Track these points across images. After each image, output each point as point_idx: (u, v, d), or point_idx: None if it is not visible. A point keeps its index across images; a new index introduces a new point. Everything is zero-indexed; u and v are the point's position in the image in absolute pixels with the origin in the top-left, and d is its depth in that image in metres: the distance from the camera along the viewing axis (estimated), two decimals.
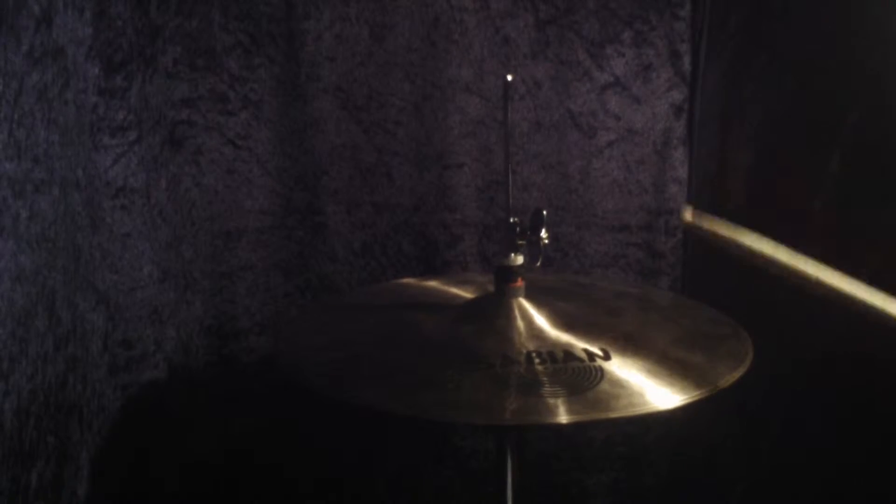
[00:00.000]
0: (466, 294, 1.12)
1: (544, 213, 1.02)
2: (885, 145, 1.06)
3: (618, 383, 0.85)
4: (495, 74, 1.44)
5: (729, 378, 0.88)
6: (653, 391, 0.84)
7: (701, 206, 1.51)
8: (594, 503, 1.61)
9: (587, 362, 0.89)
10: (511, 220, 1.03)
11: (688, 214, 1.52)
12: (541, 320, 1.00)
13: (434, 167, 1.47)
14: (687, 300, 1.31)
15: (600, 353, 0.91)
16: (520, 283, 1.04)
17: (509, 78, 1.04)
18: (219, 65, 1.34)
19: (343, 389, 0.89)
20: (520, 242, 1.03)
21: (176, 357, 1.28)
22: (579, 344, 0.93)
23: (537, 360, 0.90)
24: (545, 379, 0.86)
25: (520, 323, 1.00)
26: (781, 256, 1.25)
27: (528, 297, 1.04)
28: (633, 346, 0.94)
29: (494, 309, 1.03)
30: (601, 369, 0.87)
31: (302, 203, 1.44)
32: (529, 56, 1.45)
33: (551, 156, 1.49)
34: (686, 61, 1.49)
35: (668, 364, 0.90)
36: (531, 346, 0.93)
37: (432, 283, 1.24)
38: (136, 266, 1.16)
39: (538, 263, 1.05)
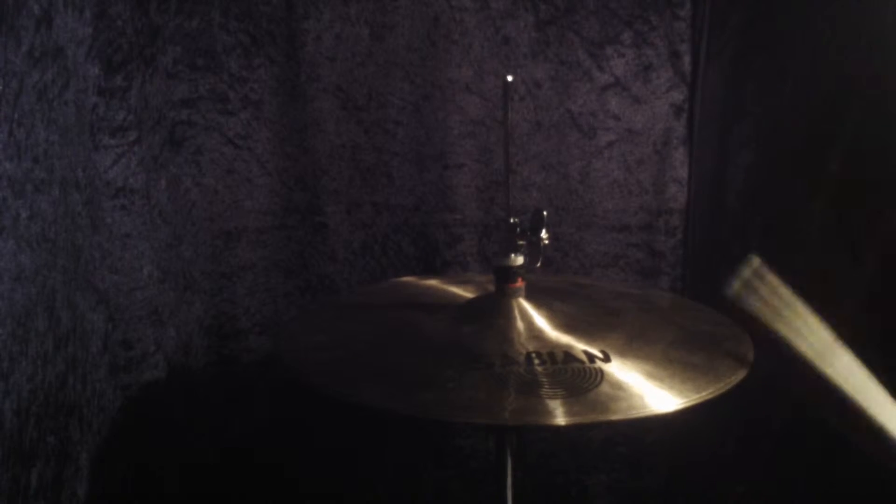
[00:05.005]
0: (466, 294, 1.12)
1: (544, 213, 1.02)
2: (885, 145, 1.05)
3: (618, 385, 0.85)
4: (495, 74, 1.44)
5: (729, 380, 0.87)
6: (652, 394, 0.83)
7: (701, 206, 1.51)
8: (594, 503, 1.61)
9: (587, 364, 0.89)
10: (511, 220, 1.03)
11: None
12: (541, 321, 1.00)
13: (434, 167, 1.47)
14: (687, 301, 1.31)
15: (600, 354, 0.91)
16: (520, 283, 1.04)
17: (509, 78, 1.03)
18: (219, 65, 1.34)
19: (343, 389, 0.89)
20: (520, 243, 1.03)
21: (176, 357, 1.28)
22: (579, 345, 0.93)
23: (537, 361, 0.89)
24: (545, 380, 0.85)
25: (520, 323, 0.99)
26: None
27: (528, 298, 1.04)
28: (633, 347, 0.94)
29: (494, 309, 1.03)
30: (601, 371, 0.87)
31: (302, 203, 1.44)
32: (529, 56, 1.45)
33: (551, 156, 1.49)
34: (686, 61, 1.49)
35: (669, 366, 0.89)
36: (531, 346, 0.93)
37: (432, 283, 1.24)
38: (136, 266, 1.16)
39: (538, 264, 1.05)
